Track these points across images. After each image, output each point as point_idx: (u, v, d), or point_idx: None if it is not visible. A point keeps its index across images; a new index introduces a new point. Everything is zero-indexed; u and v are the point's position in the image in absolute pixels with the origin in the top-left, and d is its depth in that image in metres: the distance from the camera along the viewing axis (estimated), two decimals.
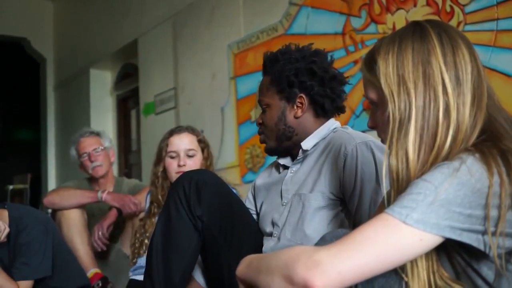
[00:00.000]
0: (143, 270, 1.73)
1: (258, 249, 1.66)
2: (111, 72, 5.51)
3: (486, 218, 0.89)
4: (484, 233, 0.90)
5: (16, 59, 6.47)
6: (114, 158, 3.02)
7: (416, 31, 1.03)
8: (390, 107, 1.02)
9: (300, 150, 1.66)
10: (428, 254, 0.95)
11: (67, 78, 5.87)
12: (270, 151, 1.74)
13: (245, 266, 1.09)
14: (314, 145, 1.65)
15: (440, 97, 0.98)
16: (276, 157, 1.77)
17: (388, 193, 1.03)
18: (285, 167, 1.73)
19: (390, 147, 1.02)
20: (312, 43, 1.72)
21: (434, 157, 0.97)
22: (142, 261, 2.13)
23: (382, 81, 1.03)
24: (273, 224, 1.66)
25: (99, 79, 5.49)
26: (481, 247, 0.90)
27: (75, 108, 5.68)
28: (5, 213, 2.11)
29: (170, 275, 1.61)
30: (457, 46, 1.01)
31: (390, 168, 1.01)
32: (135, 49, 4.69)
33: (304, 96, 1.64)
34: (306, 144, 1.65)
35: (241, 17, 3.54)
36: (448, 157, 0.95)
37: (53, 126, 6.09)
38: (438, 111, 0.98)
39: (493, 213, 0.89)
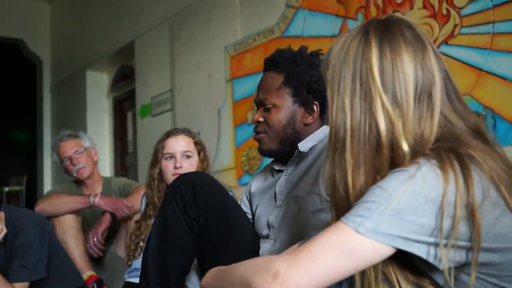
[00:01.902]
0: (138, 273, 1.72)
1: (255, 252, 1.66)
2: (107, 73, 5.50)
3: (438, 228, 0.86)
4: (436, 245, 0.87)
5: (12, 61, 6.46)
6: (97, 157, 2.98)
7: (360, 43, 0.99)
8: (330, 118, 1.00)
9: (296, 151, 1.65)
10: (384, 270, 0.94)
11: (63, 80, 5.85)
12: (267, 153, 1.70)
13: (210, 278, 1.10)
14: (311, 148, 1.65)
15: (379, 120, 0.94)
16: (269, 159, 1.76)
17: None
18: (280, 171, 1.72)
19: (327, 161, 1.01)
20: (321, 49, 1.69)
21: (380, 179, 0.94)
22: (137, 263, 2.12)
23: (328, 90, 1.01)
24: (269, 226, 1.66)
25: (95, 81, 5.48)
26: (431, 260, 0.88)
27: (71, 110, 5.67)
28: (1, 215, 2.11)
29: (166, 278, 1.60)
30: (398, 62, 0.96)
31: (326, 183, 1.01)
32: (131, 51, 4.68)
33: (317, 104, 1.63)
34: (304, 146, 1.64)
35: (238, 19, 3.54)
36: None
37: (49, 128, 6.07)
38: (375, 134, 0.95)
39: (446, 223, 0.86)
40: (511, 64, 2.17)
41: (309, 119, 1.64)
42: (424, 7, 2.49)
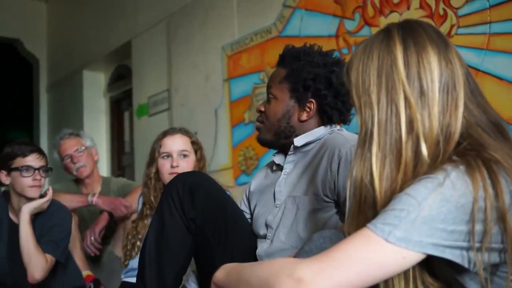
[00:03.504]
0: (135, 273, 1.72)
1: (252, 252, 1.66)
2: (104, 73, 5.49)
3: (470, 233, 0.87)
4: (468, 249, 0.88)
5: (8, 60, 6.44)
6: (97, 156, 2.99)
7: (384, 40, 1.02)
8: (359, 118, 1.02)
9: (292, 146, 1.66)
10: (406, 271, 0.94)
11: (60, 80, 5.84)
12: (263, 143, 1.74)
13: (224, 275, 1.09)
14: (307, 143, 1.65)
15: (402, 111, 0.96)
16: (270, 152, 1.77)
17: (349, 203, 1.02)
18: (279, 167, 1.72)
19: (355, 158, 1.01)
20: (335, 49, 1.72)
21: (403, 174, 0.95)
22: (134, 263, 2.12)
23: (353, 92, 1.03)
24: (267, 226, 1.66)
25: (92, 81, 5.46)
26: (465, 264, 0.89)
27: (68, 110, 5.65)
28: None
29: (163, 278, 1.60)
30: (423, 54, 0.99)
31: (353, 180, 1.00)
32: (128, 50, 4.68)
33: (314, 102, 1.64)
34: (299, 141, 1.65)
35: (235, 19, 3.54)
36: (419, 173, 0.93)
37: (46, 128, 6.05)
38: (399, 126, 0.96)
39: (478, 227, 0.87)
40: (507, 64, 2.17)
41: (304, 116, 1.65)
42: (421, 7, 2.50)
